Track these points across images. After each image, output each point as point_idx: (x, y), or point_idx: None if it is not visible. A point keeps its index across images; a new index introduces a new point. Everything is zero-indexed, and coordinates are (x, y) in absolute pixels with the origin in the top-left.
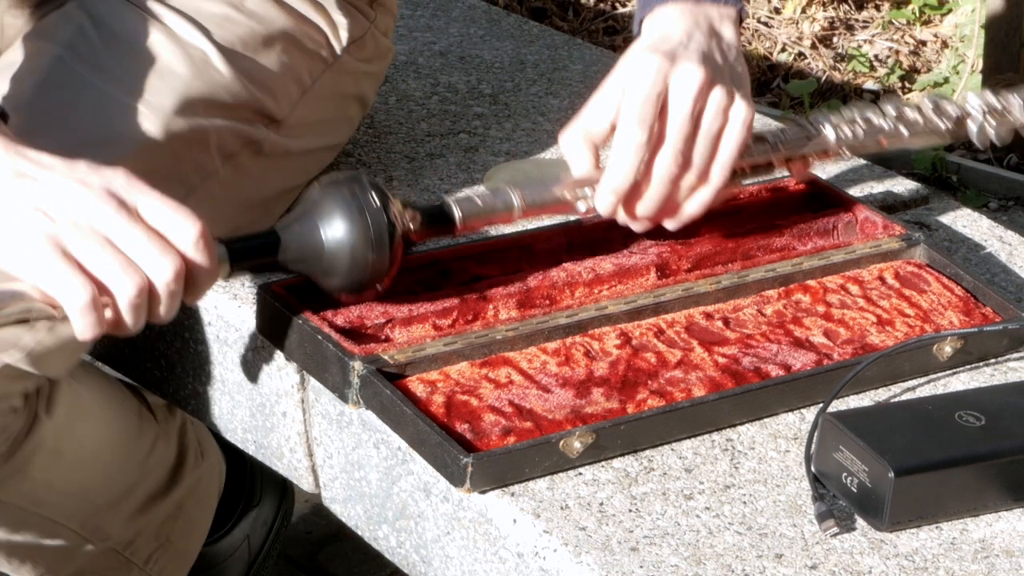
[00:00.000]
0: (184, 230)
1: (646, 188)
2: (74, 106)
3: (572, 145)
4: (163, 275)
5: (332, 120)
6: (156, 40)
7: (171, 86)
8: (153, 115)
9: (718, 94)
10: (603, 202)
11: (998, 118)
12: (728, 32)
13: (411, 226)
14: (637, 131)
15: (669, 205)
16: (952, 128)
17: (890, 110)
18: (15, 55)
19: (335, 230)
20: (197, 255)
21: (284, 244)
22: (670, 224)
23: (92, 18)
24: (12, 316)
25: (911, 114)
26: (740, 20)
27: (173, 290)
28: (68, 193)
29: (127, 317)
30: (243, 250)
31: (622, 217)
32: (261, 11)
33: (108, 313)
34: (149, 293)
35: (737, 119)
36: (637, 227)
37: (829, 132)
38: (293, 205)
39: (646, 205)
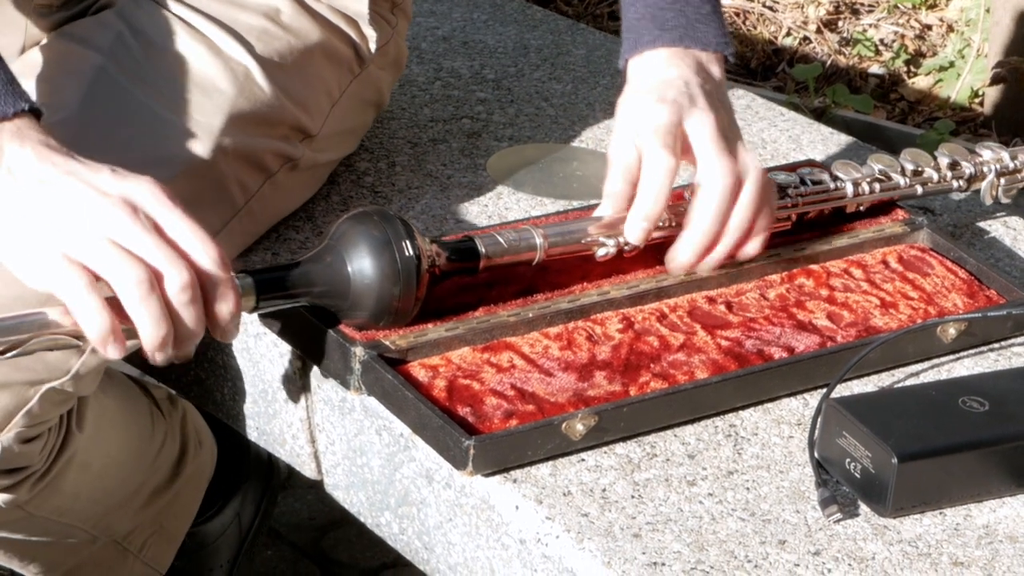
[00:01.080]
0: (200, 246)
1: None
2: (121, 123)
3: (612, 190)
4: (173, 283)
5: (353, 129)
6: (198, 53)
7: (217, 104)
8: (202, 135)
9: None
10: (634, 230)
11: (1008, 178)
12: (716, 72)
13: (436, 262)
14: (664, 156)
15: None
16: (964, 186)
17: (908, 165)
18: (38, 56)
19: (362, 264)
20: (213, 269)
21: (310, 277)
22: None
23: (131, 27)
24: (40, 344)
25: (928, 172)
26: (726, 60)
27: (184, 300)
28: (83, 201)
29: (144, 327)
30: (269, 281)
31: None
32: (297, 25)
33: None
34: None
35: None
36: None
37: (849, 189)
38: (320, 238)
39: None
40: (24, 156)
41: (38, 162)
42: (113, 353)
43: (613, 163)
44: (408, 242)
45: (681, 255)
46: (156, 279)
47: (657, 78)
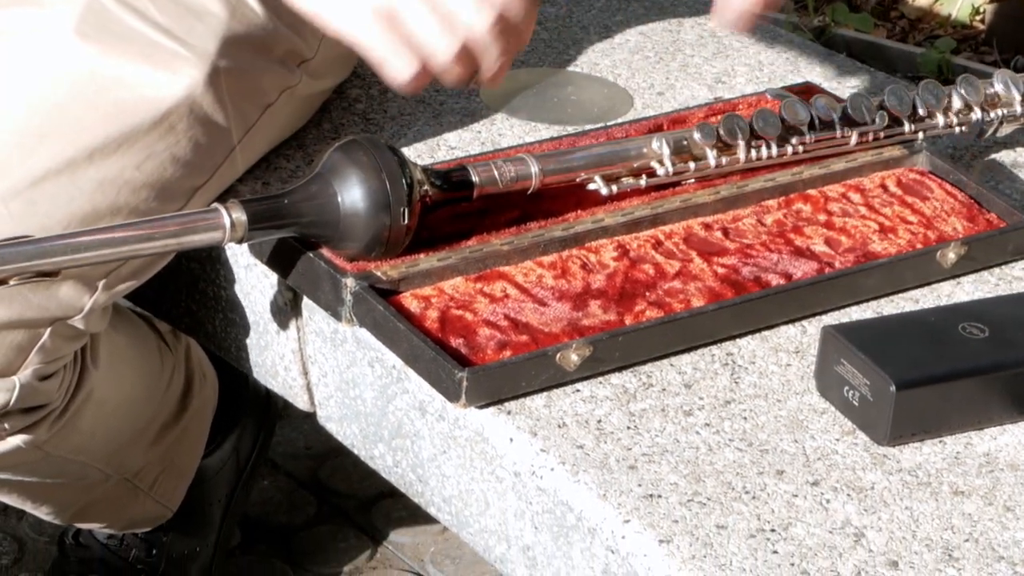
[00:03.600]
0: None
1: None
2: (114, 50)
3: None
4: (479, 28)
5: (348, 54)
6: None
7: (210, 27)
8: (197, 60)
9: None
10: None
11: (1009, 120)
12: None
13: (428, 190)
14: None
15: None
16: (966, 131)
17: (921, 110)
18: None
19: (352, 194)
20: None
21: (300, 208)
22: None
23: None
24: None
25: (938, 118)
26: None
27: (489, 42)
28: None
29: (447, 77)
30: (258, 212)
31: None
32: None
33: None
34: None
35: None
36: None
37: (853, 140)
38: (308, 168)
39: None
40: None
41: None
42: (409, 90)
43: None
44: (399, 171)
45: None
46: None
47: None
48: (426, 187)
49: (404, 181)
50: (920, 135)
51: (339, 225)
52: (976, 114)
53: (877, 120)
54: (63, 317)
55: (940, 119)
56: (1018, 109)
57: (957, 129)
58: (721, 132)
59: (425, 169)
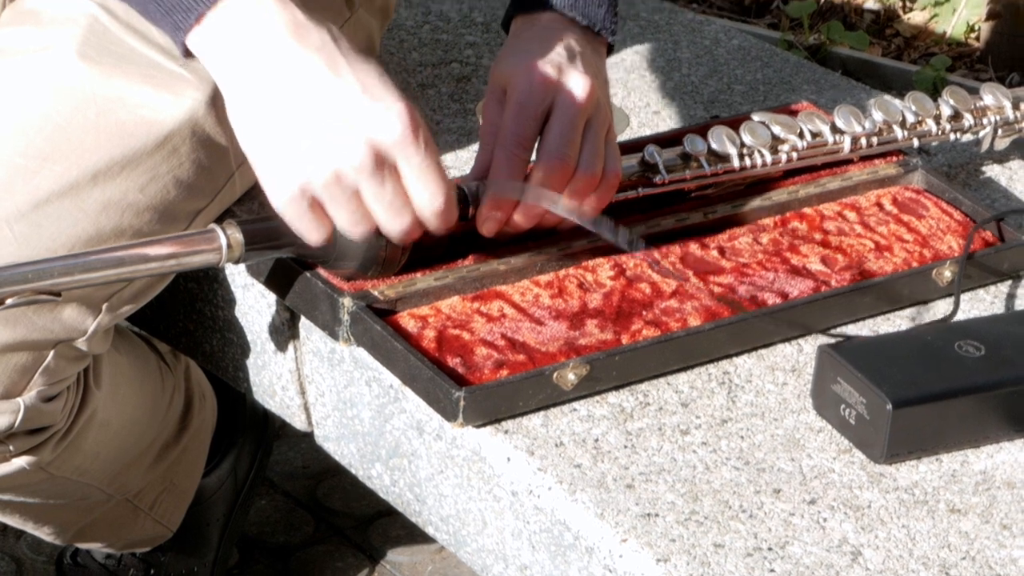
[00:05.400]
0: (428, 200)
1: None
2: (118, 71)
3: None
4: (390, 234)
5: None
6: None
7: None
8: (199, 83)
9: (602, 105)
10: (486, 226)
11: (1006, 129)
12: (601, 49)
13: None
14: (516, 153)
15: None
16: (959, 138)
17: (910, 117)
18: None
19: None
20: (433, 222)
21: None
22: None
23: None
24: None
25: (928, 124)
26: (609, 51)
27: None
28: (331, 136)
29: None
30: (255, 232)
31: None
32: None
33: None
34: None
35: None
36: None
37: (847, 145)
38: None
39: (521, 219)
40: (279, 37)
41: (296, 49)
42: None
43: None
44: None
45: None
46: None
47: (540, 42)
48: None
49: None
50: (915, 141)
51: (335, 245)
52: (968, 119)
53: (867, 125)
54: (67, 339)
55: (932, 125)
56: (1010, 115)
57: (952, 136)
58: (712, 142)
59: None
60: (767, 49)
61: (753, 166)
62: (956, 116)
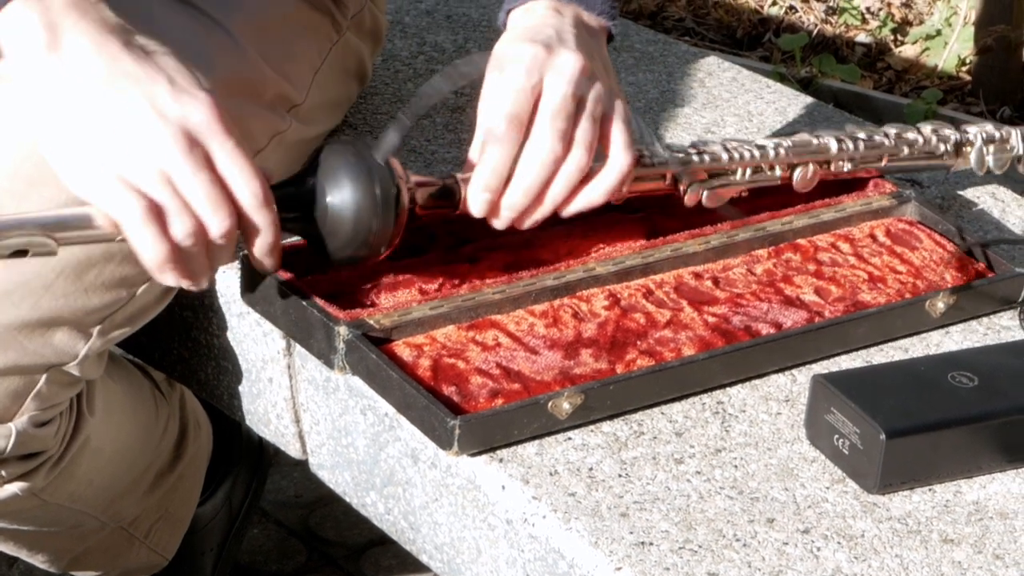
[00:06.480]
0: (245, 184)
1: (522, 178)
2: None
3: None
4: (213, 230)
5: (337, 101)
6: (176, 18)
7: (201, 69)
8: None
9: (598, 83)
10: (476, 202)
11: (997, 147)
12: (600, 36)
13: (416, 196)
14: (506, 127)
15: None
16: (951, 152)
17: (891, 130)
18: None
19: (340, 190)
20: (254, 208)
21: (285, 203)
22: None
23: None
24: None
25: (911, 135)
26: (610, 38)
27: (220, 246)
28: (140, 125)
29: (177, 266)
30: None
31: (507, 216)
32: None
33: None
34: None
35: (618, 110)
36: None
37: (832, 144)
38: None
39: (516, 195)
40: (80, 43)
41: (95, 53)
42: (169, 280)
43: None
44: (387, 172)
45: (475, 184)
46: (200, 229)
47: (533, 25)
48: (413, 189)
49: (393, 181)
50: (905, 149)
51: (325, 222)
52: (954, 135)
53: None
54: (58, 363)
55: (916, 135)
56: (995, 133)
57: (941, 147)
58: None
59: (413, 175)
60: (760, 81)
61: (742, 157)
62: (937, 131)
